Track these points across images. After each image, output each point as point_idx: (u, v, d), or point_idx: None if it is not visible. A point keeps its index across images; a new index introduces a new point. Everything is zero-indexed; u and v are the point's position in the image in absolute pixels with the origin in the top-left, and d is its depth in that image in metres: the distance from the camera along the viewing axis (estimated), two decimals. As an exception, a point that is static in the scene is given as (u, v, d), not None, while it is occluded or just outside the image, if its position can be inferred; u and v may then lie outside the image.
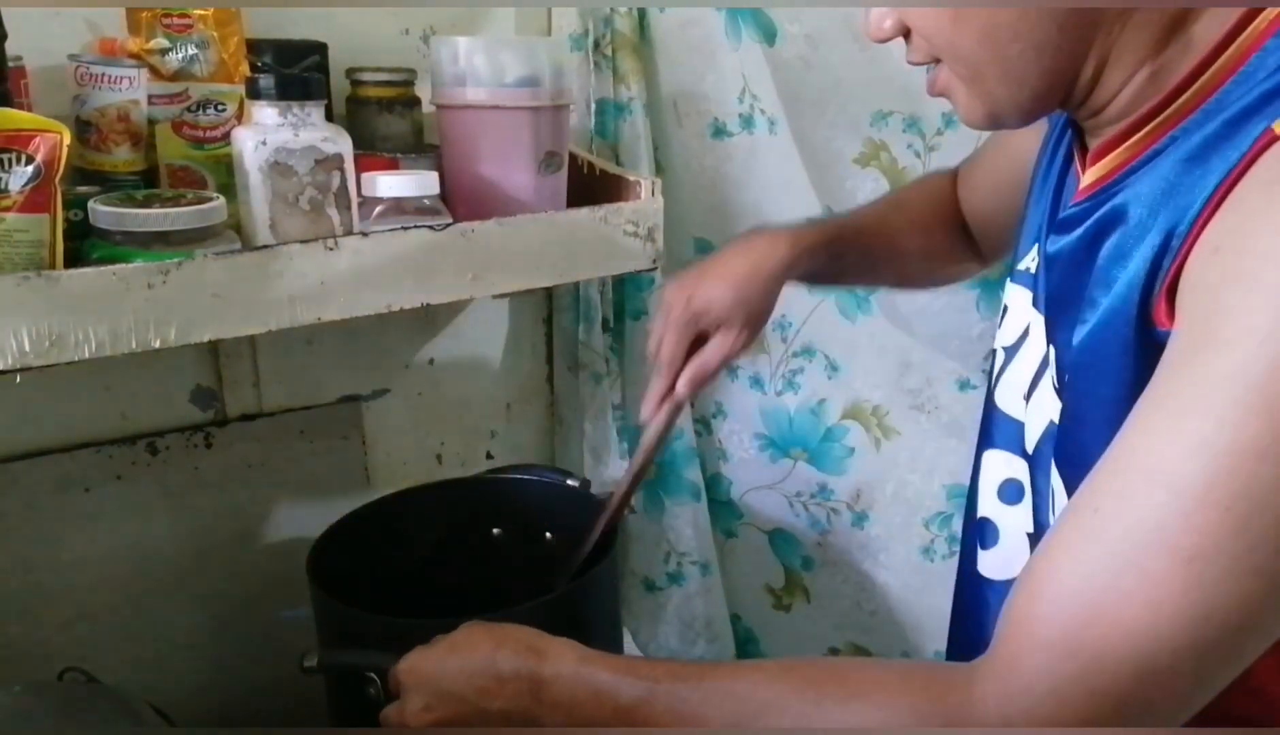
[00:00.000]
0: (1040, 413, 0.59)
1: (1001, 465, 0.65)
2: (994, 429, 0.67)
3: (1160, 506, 0.42)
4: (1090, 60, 0.51)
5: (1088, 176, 0.56)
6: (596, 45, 1.07)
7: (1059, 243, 0.57)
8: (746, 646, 1.37)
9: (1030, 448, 0.61)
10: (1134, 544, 0.43)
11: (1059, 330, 0.57)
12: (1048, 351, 0.58)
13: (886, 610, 1.27)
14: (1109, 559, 0.44)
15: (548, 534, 0.99)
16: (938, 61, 0.55)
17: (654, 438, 0.82)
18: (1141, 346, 0.48)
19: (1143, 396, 0.46)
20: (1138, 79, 0.51)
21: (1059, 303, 0.57)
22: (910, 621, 1.26)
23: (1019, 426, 0.63)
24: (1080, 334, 0.52)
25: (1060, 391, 0.57)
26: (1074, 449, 0.52)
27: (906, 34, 0.56)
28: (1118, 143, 0.53)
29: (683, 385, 0.79)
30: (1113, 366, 0.49)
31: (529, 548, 0.98)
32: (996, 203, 0.82)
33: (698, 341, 0.79)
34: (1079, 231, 0.55)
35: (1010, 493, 0.65)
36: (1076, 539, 0.46)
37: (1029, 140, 0.77)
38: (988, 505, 0.67)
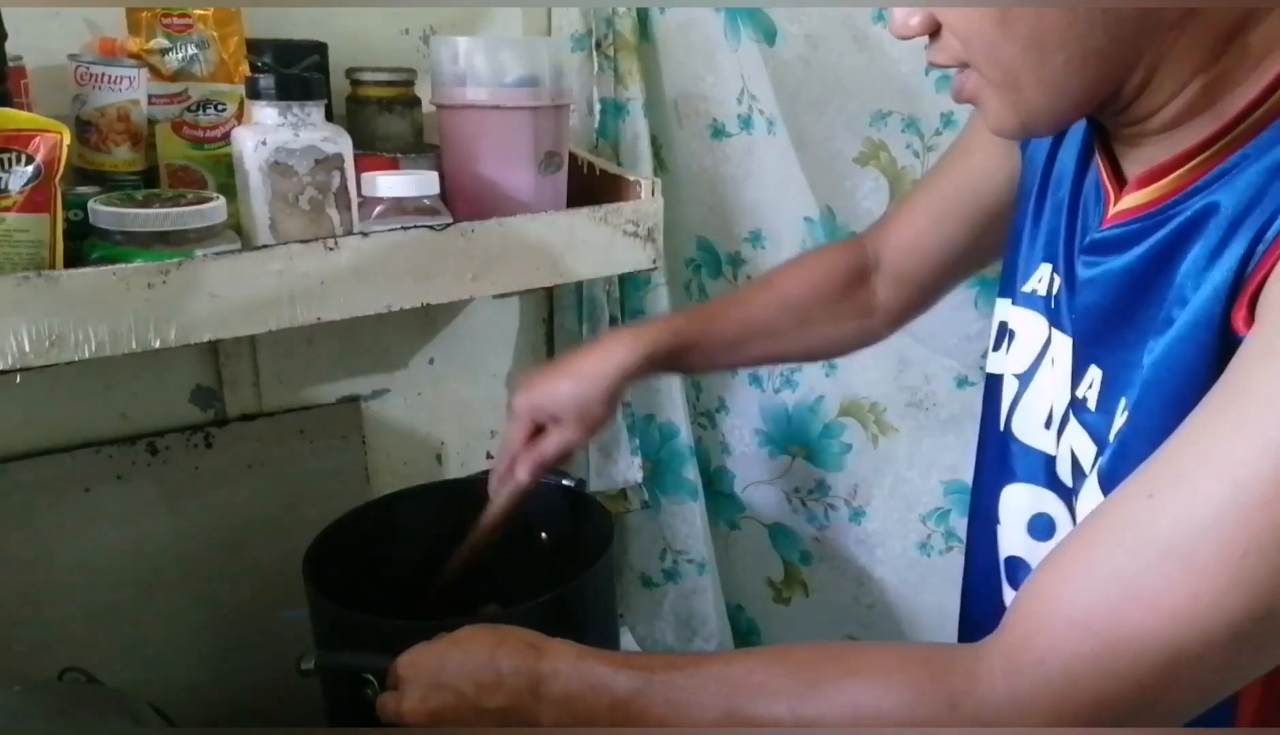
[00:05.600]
0: (1076, 441, 0.57)
1: (1028, 500, 0.63)
2: (1013, 462, 0.64)
3: (1220, 499, 0.42)
4: (1139, 69, 0.49)
5: (1142, 195, 0.53)
6: (598, 45, 1.07)
7: (1101, 264, 0.55)
8: (749, 637, 1.38)
9: (1067, 479, 0.59)
10: (1186, 532, 0.42)
11: (1111, 352, 0.55)
12: (1088, 374, 0.57)
13: (884, 604, 1.27)
14: (1156, 544, 0.43)
15: (543, 534, 0.99)
16: (964, 66, 0.52)
17: (496, 514, 0.88)
18: (1220, 355, 0.46)
19: (1214, 390, 0.45)
20: (1190, 89, 0.49)
21: (1110, 323, 0.55)
22: (907, 616, 1.26)
23: (1045, 458, 0.61)
24: (1155, 351, 0.50)
25: (1104, 416, 0.55)
26: (1129, 468, 0.50)
27: (933, 32, 0.52)
28: (1181, 162, 0.51)
29: (521, 472, 0.85)
30: (1189, 378, 0.48)
31: (524, 548, 0.98)
32: (938, 234, 0.79)
33: (541, 430, 0.84)
34: (1139, 250, 0.52)
35: (1041, 528, 0.63)
36: (1123, 522, 0.45)
37: (984, 164, 0.74)
38: (1016, 543, 0.65)
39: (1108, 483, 0.53)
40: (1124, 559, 0.44)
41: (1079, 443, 0.57)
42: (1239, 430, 0.42)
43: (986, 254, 0.78)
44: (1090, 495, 0.55)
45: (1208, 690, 0.44)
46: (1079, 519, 0.57)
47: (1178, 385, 0.49)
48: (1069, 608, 0.45)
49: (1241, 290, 0.46)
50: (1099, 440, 0.55)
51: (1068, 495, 0.59)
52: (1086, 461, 0.56)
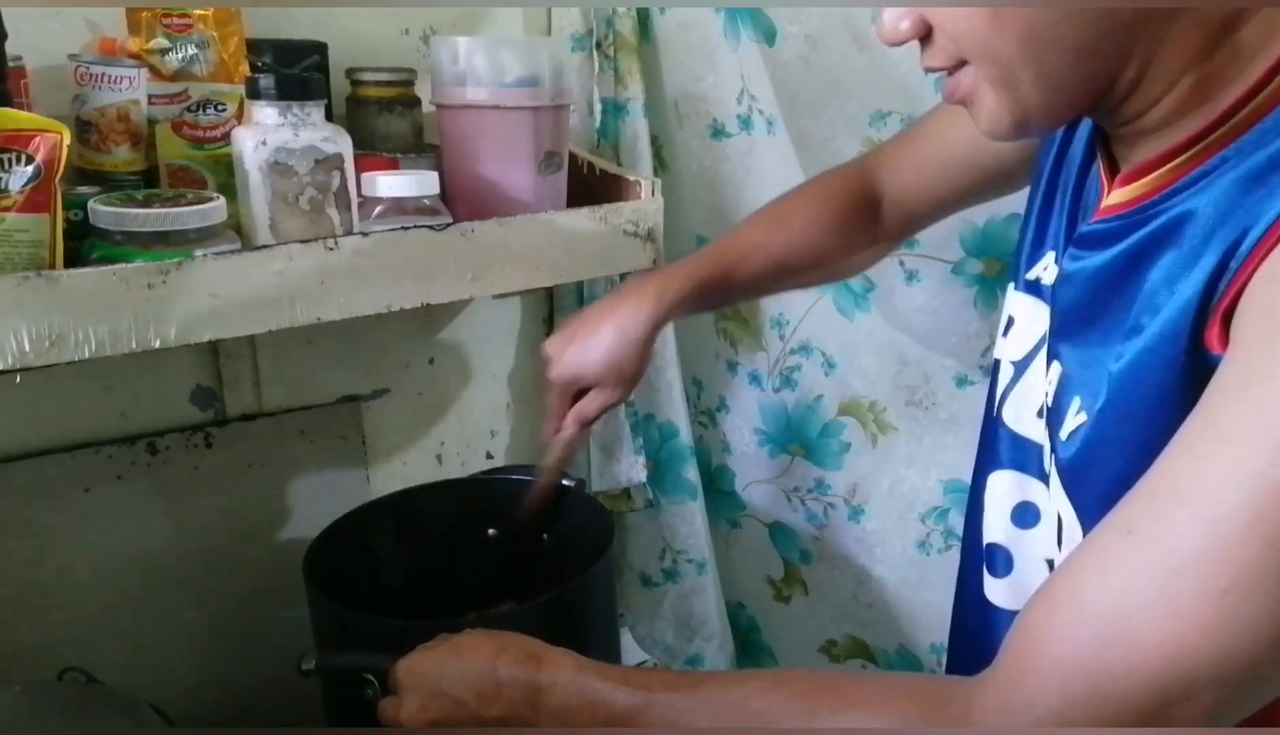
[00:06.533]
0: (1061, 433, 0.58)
1: (1013, 487, 0.63)
2: (1001, 448, 0.64)
3: (1199, 535, 0.41)
4: (1131, 65, 0.49)
5: (1125, 192, 0.53)
6: (598, 45, 1.07)
7: (1083, 259, 0.55)
8: (749, 635, 1.38)
9: (1050, 469, 0.59)
10: (1167, 570, 0.42)
11: (1074, 349, 0.55)
12: (1051, 369, 0.57)
13: (883, 603, 1.27)
14: (1139, 583, 0.43)
15: (543, 534, 0.99)
16: (959, 66, 0.52)
17: (556, 460, 0.91)
18: (1191, 371, 0.46)
19: (1190, 419, 0.44)
20: (1181, 86, 0.49)
21: (1082, 321, 0.55)
22: (907, 614, 1.26)
23: (1034, 447, 0.61)
24: (1125, 358, 0.50)
25: (1056, 412, 0.55)
26: (1095, 474, 0.50)
27: (925, 36, 0.52)
28: (1164, 160, 0.51)
29: (568, 428, 0.86)
30: (1157, 392, 0.48)
31: (525, 548, 0.99)
32: (944, 181, 0.80)
33: (583, 390, 0.85)
34: (1116, 250, 0.52)
35: (1025, 516, 0.63)
36: (1105, 559, 0.45)
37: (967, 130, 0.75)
38: (998, 530, 0.65)
39: (1071, 483, 0.53)
40: (1107, 598, 0.44)
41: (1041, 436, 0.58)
42: (1213, 464, 0.42)
43: (990, 196, 0.79)
44: (1055, 490, 0.55)
45: (1199, 729, 0.44)
46: (1052, 510, 0.57)
47: (1144, 397, 0.49)
48: (1057, 648, 0.45)
49: (1214, 307, 0.45)
50: (1050, 435, 0.56)
51: (1053, 485, 0.60)
52: (1045, 455, 0.57)
